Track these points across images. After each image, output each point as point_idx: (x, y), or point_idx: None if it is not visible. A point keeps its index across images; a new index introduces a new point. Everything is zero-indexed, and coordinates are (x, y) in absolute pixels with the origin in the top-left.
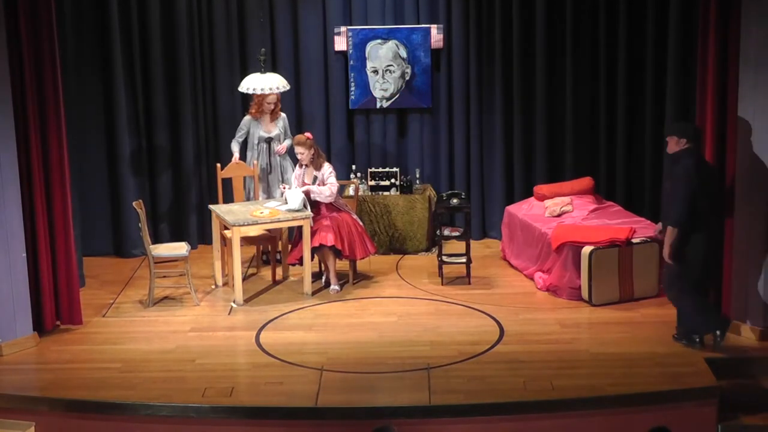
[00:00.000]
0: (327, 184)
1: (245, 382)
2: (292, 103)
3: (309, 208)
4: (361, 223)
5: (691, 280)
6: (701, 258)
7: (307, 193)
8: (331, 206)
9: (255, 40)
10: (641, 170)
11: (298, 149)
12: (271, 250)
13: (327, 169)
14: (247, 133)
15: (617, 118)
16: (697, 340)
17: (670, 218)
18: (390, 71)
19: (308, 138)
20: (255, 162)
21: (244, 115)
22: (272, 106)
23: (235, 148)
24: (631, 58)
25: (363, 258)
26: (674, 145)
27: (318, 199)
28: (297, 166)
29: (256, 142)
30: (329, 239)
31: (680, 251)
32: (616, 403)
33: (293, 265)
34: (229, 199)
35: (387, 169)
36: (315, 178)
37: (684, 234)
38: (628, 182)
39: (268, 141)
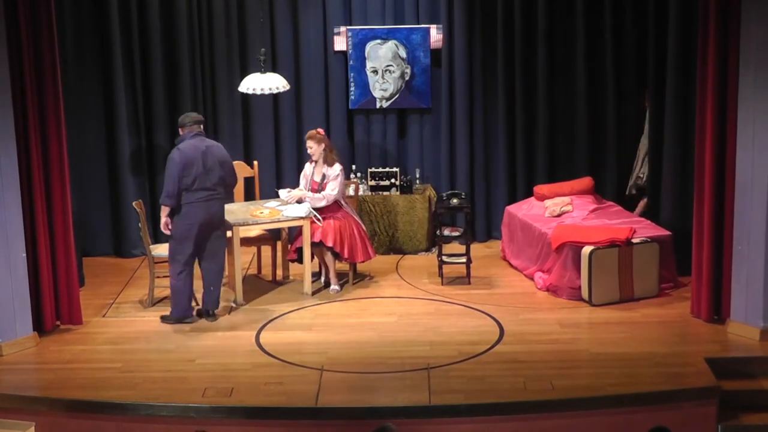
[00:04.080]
0: (326, 188)
1: (245, 382)
2: (292, 103)
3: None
4: (364, 228)
5: (183, 256)
6: (184, 235)
7: (304, 198)
8: (336, 206)
9: (255, 40)
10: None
11: (308, 143)
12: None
13: (334, 170)
14: None
15: (617, 118)
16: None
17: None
18: (390, 71)
19: (318, 132)
20: (255, 162)
21: (244, 115)
22: None
23: None
24: (630, 58)
25: (363, 262)
26: (179, 133)
27: (315, 204)
28: (308, 162)
29: None
30: (329, 239)
31: (174, 227)
32: (616, 403)
33: (292, 261)
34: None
35: (387, 169)
36: (323, 176)
37: (176, 210)
38: (628, 182)
39: None
